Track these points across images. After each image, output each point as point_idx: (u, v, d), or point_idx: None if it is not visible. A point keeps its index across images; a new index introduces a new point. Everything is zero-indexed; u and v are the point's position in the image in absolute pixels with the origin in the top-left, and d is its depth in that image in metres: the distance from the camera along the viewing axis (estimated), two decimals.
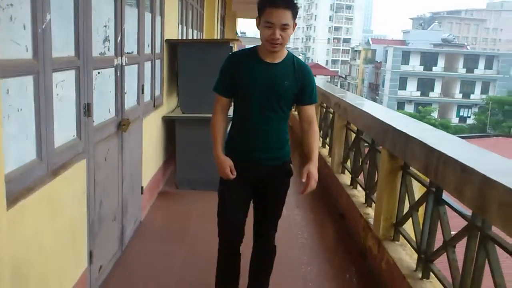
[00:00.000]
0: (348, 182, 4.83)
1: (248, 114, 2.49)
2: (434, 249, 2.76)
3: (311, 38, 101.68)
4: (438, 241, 2.70)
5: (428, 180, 2.87)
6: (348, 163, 5.04)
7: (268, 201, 2.66)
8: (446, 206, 2.69)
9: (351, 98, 5.46)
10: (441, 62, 51.16)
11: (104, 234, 3.10)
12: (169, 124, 5.32)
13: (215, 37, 10.47)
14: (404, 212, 3.26)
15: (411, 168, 3.17)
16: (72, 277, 2.59)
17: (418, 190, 3.14)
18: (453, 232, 2.56)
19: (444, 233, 2.62)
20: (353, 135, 4.86)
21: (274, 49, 2.36)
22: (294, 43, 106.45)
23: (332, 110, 5.93)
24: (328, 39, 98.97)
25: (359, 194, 4.48)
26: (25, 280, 2.02)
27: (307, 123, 2.60)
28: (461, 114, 51.78)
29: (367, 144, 4.38)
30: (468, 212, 2.41)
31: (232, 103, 2.61)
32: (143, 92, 4.03)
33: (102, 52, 2.96)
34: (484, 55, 53.59)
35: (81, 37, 2.52)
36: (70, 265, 2.57)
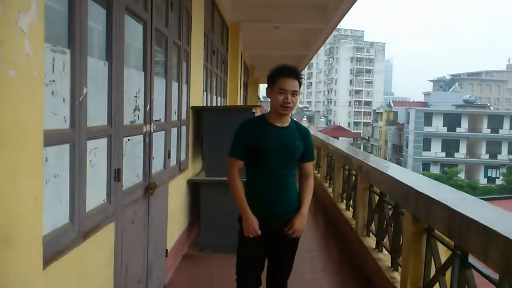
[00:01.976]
0: (373, 245, 4.76)
1: (267, 174, 2.81)
2: None
3: (332, 101, 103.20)
4: None
5: (453, 243, 2.85)
6: (373, 226, 4.99)
7: (283, 251, 2.91)
8: (473, 270, 2.65)
9: (373, 160, 5.49)
10: (464, 123, 51.03)
11: None
12: (194, 187, 5.42)
13: (238, 103, 10.81)
14: (431, 276, 3.19)
15: (435, 231, 3.15)
16: None
17: (444, 253, 3.09)
18: None
19: None
20: (377, 198, 4.85)
21: (286, 112, 2.78)
22: (316, 106, 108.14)
23: (355, 173, 5.96)
24: (349, 102, 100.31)
25: (384, 258, 4.41)
26: None
27: (305, 177, 2.97)
28: (489, 174, 50.78)
29: (390, 207, 4.37)
30: (495, 276, 2.37)
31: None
32: (169, 157, 4.17)
33: (132, 120, 3.13)
34: (508, 115, 53.37)
35: (113, 107, 2.69)
36: None
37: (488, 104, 65.26)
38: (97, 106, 2.53)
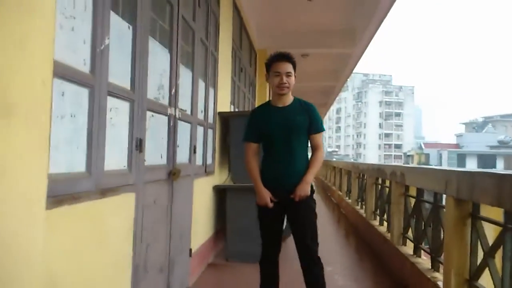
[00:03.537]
0: (411, 252, 4.44)
1: (274, 150, 3.08)
2: None
3: (362, 145, 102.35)
4: None
5: (502, 218, 2.59)
6: (410, 233, 4.68)
7: (300, 217, 3.07)
8: None
9: (406, 165, 5.24)
10: (500, 163, 49.48)
11: (149, 284, 2.92)
12: (221, 196, 5.26)
13: None
14: (478, 263, 2.89)
15: (480, 214, 2.90)
16: None
17: (492, 236, 2.81)
18: None
19: None
20: (413, 201, 4.57)
21: (283, 91, 3.06)
22: (345, 150, 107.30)
23: (388, 182, 5.69)
24: (379, 145, 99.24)
25: (424, 262, 4.09)
26: None
27: (314, 149, 3.17)
28: None
29: (428, 206, 4.09)
30: None
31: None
32: (195, 152, 4.06)
33: (156, 97, 3.06)
34: None
35: (137, 73, 2.62)
36: None
37: None
38: (120, 66, 2.47)
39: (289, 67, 3.05)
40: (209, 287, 4.26)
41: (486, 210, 2.86)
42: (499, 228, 2.66)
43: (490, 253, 2.73)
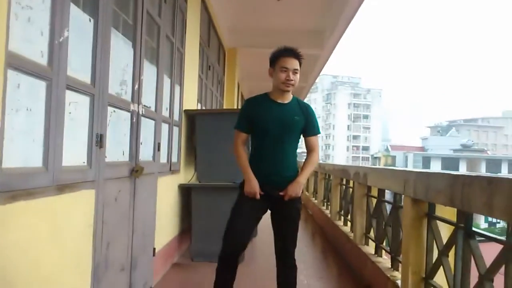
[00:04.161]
0: (373, 251, 4.54)
1: (265, 146, 2.97)
2: None
3: (330, 146, 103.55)
4: (475, 279, 2.43)
5: (455, 219, 2.68)
6: (371, 233, 4.78)
7: (285, 216, 2.99)
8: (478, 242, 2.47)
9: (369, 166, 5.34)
10: (463, 167, 51.05)
11: (110, 283, 2.88)
12: (186, 195, 5.23)
13: None
14: (434, 262, 2.99)
15: (436, 213, 2.99)
16: None
17: (446, 235, 2.90)
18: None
19: (479, 268, 2.37)
20: (375, 201, 4.67)
21: (288, 88, 2.96)
22: None
23: (352, 183, 5.79)
24: (347, 147, 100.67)
25: (384, 261, 4.18)
26: None
27: (309, 151, 3.09)
28: (489, 219, 50.14)
29: (389, 206, 4.19)
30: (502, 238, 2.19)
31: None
32: (159, 150, 4.02)
33: (118, 92, 3.01)
34: (506, 160, 53.41)
35: (98, 67, 2.58)
36: None
37: (486, 149, 65.51)
38: (80, 59, 2.42)
39: (296, 64, 2.95)
40: (173, 287, 4.23)
41: (441, 210, 2.95)
42: (452, 227, 2.75)
43: (444, 251, 2.82)
